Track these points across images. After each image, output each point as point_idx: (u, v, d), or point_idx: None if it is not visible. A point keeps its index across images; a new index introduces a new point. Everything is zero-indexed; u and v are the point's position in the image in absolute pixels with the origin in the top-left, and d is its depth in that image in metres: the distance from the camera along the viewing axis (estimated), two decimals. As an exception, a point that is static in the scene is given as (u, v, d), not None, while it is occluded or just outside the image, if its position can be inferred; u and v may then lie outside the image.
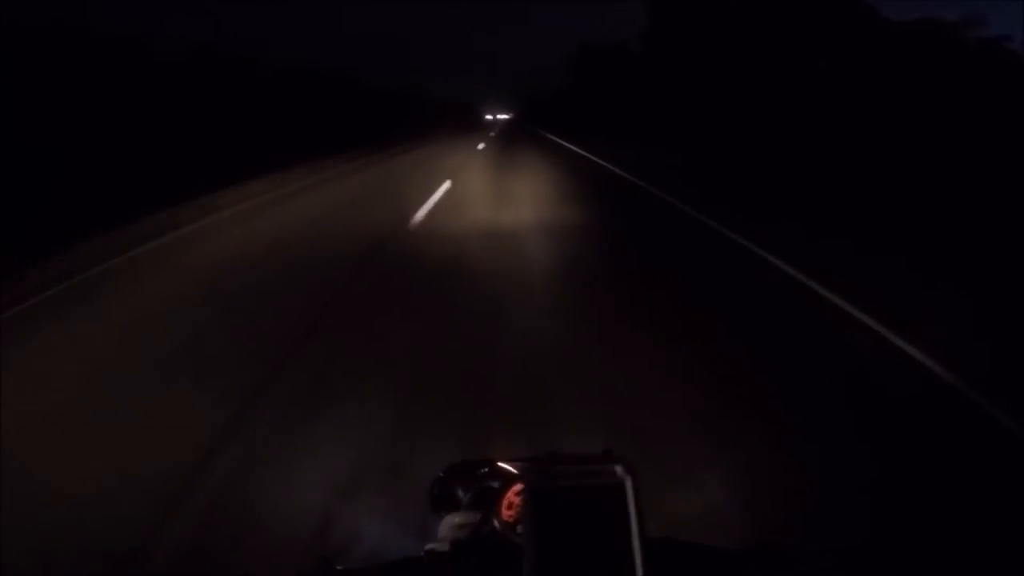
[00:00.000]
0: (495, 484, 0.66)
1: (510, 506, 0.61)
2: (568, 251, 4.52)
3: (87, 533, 1.60)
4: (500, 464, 0.71)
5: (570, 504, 0.52)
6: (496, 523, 0.59)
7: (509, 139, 23.75)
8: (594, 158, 12.58)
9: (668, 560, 0.54)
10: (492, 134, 27.79)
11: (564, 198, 7.12)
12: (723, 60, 17.83)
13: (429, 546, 0.60)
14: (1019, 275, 3.72)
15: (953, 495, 1.69)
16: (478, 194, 7.67)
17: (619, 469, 0.53)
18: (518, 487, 0.62)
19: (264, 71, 19.34)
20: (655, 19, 22.77)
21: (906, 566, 0.60)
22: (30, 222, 5.29)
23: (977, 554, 1.40)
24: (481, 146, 18.46)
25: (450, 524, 0.66)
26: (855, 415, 2.16)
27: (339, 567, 0.56)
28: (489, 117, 67.89)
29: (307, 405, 2.26)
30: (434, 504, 0.72)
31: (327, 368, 2.58)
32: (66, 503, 1.72)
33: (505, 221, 5.63)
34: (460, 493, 0.71)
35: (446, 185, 8.18)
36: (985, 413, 2.14)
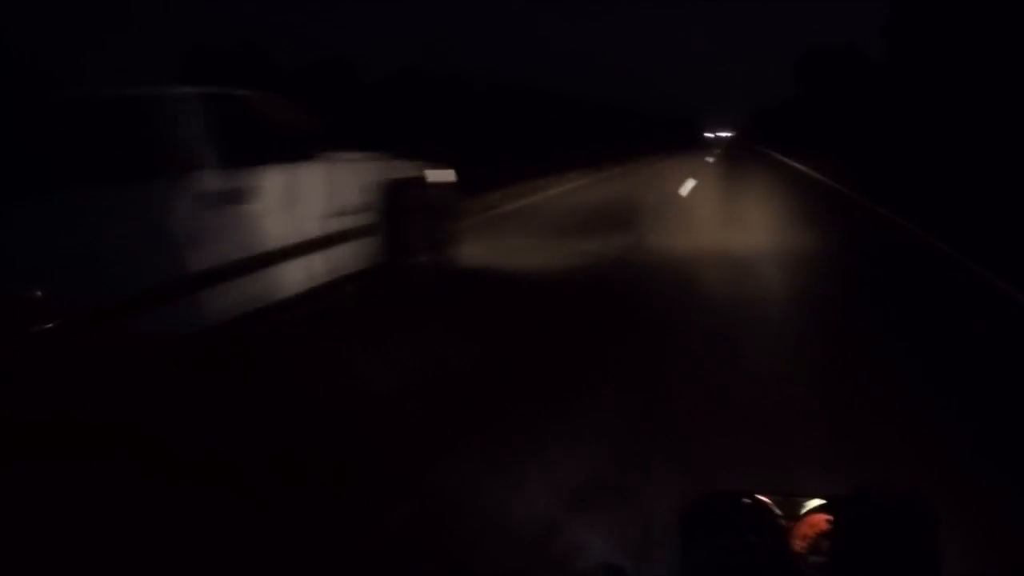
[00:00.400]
0: (773, 515, 0.63)
1: (803, 537, 0.60)
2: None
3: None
4: (760, 497, 0.66)
5: (877, 541, 0.55)
6: (787, 554, 0.59)
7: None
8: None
9: None
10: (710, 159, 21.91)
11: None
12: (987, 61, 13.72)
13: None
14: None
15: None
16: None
17: (924, 509, 0.58)
18: (814, 519, 0.61)
19: (482, 89, 22.36)
20: (899, 10, 19.07)
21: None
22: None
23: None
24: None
25: (716, 553, 0.62)
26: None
27: None
28: (709, 135, 63.82)
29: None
30: (687, 534, 0.64)
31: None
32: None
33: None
34: (722, 523, 0.65)
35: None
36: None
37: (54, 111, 2.61)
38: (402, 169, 3.86)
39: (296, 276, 2.94)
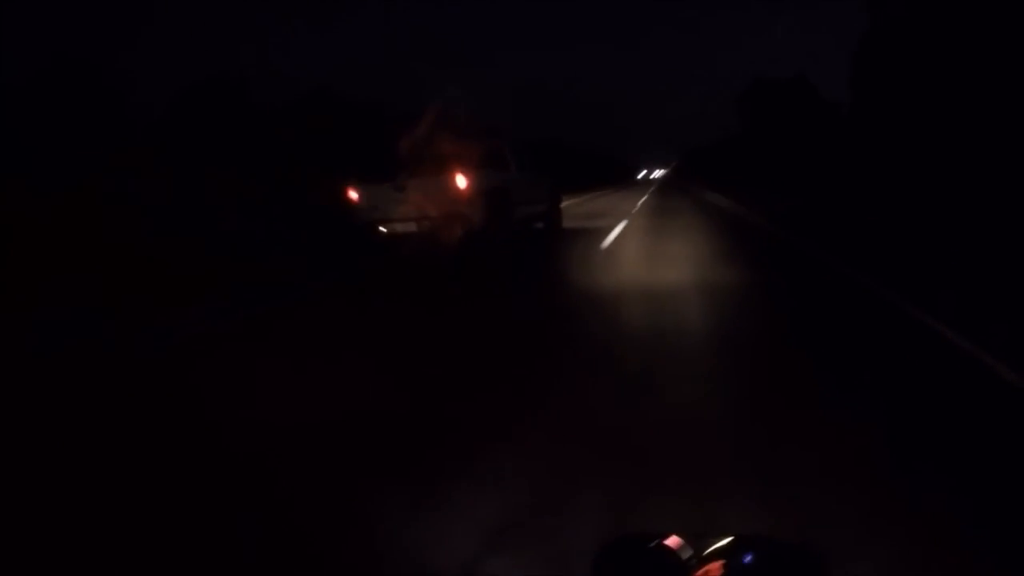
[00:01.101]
0: (675, 563, 0.65)
1: None
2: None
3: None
4: (668, 540, 0.68)
5: None
6: None
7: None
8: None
9: None
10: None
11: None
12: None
13: None
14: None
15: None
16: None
17: (809, 559, 0.60)
18: (708, 568, 0.63)
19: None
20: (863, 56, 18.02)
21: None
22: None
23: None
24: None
25: None
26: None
27: None
28: (642, 175, 53.83)
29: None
30: None
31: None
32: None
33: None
34: (630, 569, 0.67)
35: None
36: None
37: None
38: (553, 181, 9.34)
39: (537, 210, 8.47)
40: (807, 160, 19.64)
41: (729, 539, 0.67)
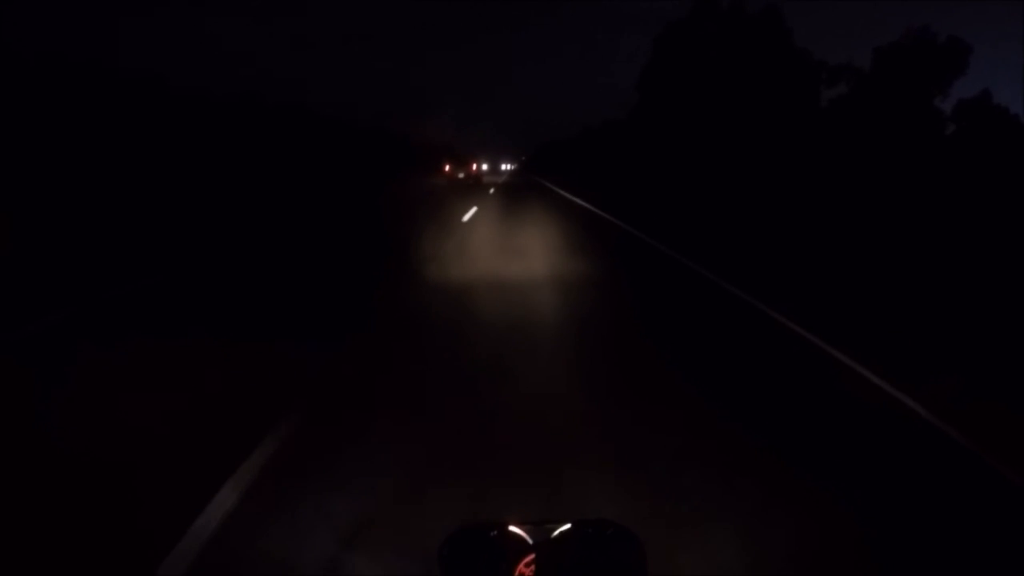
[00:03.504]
0: (506, 552, 0.68)
1: None
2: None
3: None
4: (511, 528, 0.72)
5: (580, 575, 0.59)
6: None
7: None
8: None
9: None
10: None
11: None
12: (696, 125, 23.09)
13: None
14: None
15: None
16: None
17: (627, 540, 0.62)
18: (529, 558, 0.66)
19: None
20: (644, 99, 28.79)
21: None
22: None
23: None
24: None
25: None
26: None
27: None
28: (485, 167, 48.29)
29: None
30: (443, 569, 0.70)
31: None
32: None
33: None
34: (470, 559, 0.71)
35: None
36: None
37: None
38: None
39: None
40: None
41: (567, 526, 0.70)
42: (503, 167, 57.85)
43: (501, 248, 8.65)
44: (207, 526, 2.02)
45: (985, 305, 5.50)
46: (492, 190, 25.91)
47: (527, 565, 0.65)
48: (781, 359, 4.11)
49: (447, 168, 34.33)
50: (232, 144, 18.82)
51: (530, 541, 0.70)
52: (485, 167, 35.28)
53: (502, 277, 6.26)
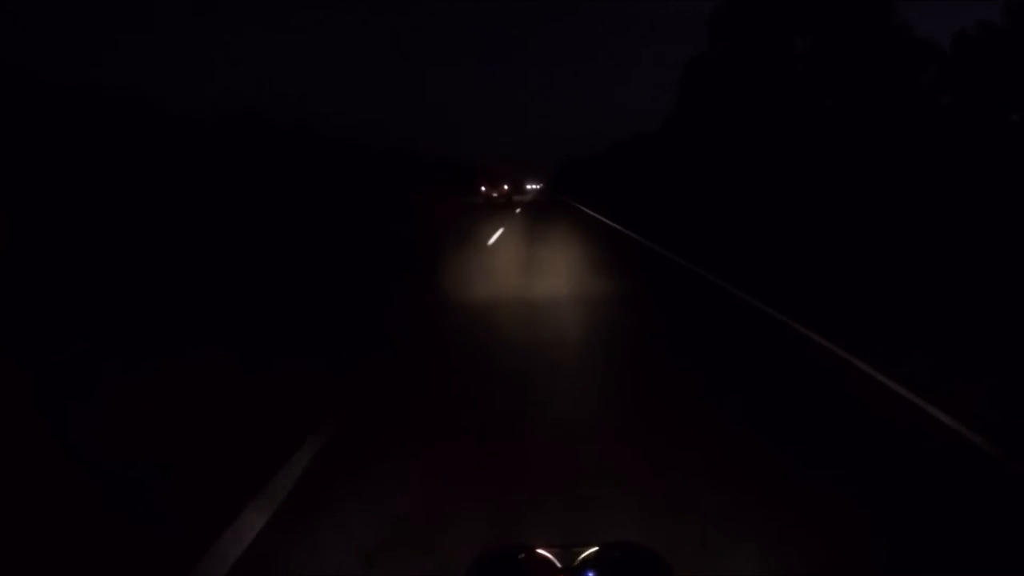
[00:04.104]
0: (548, 570, 0.67)
1: None
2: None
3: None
4: (538, 551, 0.72)
5: None
6: None
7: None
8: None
9: None
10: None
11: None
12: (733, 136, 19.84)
13: None
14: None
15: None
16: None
17: (657, 565, 0.61)
18: None
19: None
20: (681, 106, 25.29)
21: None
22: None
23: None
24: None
25: None
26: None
27: None
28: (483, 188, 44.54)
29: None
30: None
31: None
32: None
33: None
34: None
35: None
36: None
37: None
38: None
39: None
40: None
41: (594, 548, 0.69)
42: (527, 187, 58.65)
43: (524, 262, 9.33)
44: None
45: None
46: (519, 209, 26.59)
47: None
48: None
49: (483, 188, 36.87)
50: (254, 167, 19.16)
51: (558, 564, 0.70)
52: (506, 187, 37.44)
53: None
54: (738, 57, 20.09)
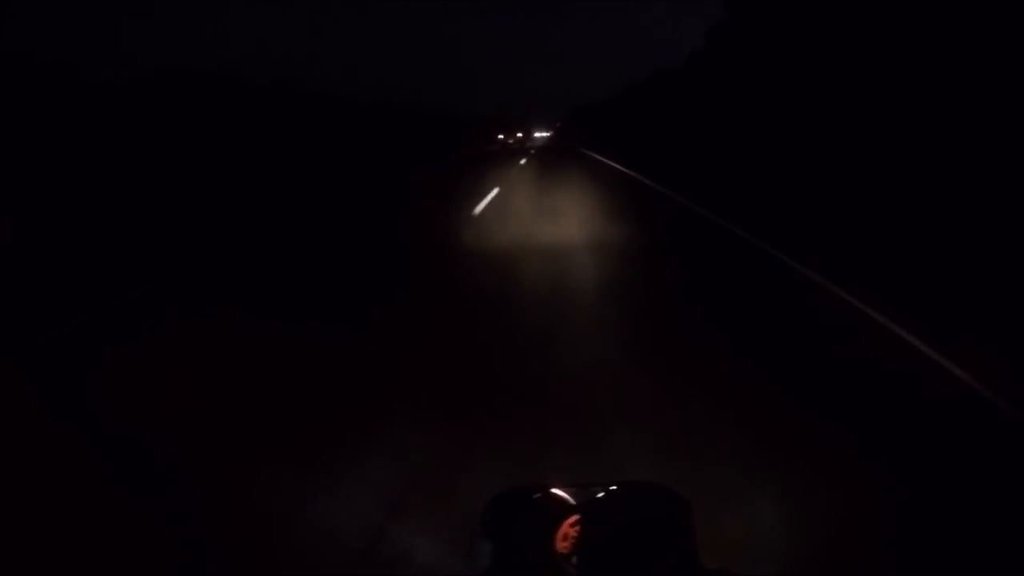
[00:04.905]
0: (550, 513, 0.67)
1: (565, 537, 0.63)
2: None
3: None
4: (554, 491, 0.71)
5: (627, 537, 0.57)
6: (551, 554, 0.62)
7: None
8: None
9: None
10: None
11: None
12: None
13: (480, 574, 0.64)
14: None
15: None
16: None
17: (674, 502, 0.61)
18: (574, 518, 0.64)
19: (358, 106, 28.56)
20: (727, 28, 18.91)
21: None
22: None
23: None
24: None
25: (502, 552, 0.68)
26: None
27: None
28: (500, 136, 46.48)
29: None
30: (485, 530, 0.71)
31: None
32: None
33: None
34: (513, 520, 0.71)
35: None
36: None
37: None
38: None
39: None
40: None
41: (613, 487, 0.69)
42: (535, 135, 67.60)
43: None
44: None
45: None
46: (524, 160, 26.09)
47: (572, 526, 0.65)
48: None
49: (499, 136, 44.58)
50: (280, 131, 19.00)
51: (574, 503, 0.69)
52: (519, 135, 46.61)
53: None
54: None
